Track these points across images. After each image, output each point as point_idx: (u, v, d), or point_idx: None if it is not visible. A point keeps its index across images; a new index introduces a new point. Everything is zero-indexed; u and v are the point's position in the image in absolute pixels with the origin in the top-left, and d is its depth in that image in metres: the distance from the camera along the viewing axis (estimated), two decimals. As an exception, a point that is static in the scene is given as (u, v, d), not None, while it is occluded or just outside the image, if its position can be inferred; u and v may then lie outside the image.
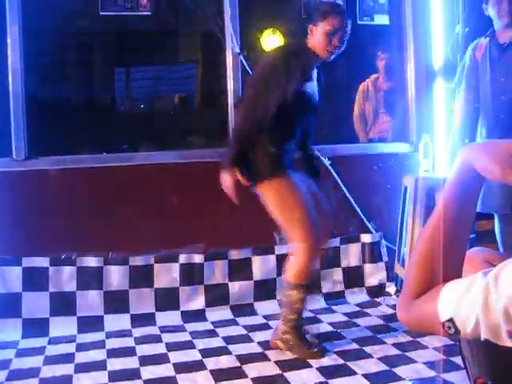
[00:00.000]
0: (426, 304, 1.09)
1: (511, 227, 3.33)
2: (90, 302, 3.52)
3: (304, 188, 2.95)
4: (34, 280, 3.47)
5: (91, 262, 3.55)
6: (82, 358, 3.04)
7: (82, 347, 3.19)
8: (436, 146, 4.04)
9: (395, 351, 2.97)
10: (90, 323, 3.44)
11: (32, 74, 3.65)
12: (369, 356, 2.92)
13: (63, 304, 3.49)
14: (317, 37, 2.88)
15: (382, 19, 4.28)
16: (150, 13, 3.81)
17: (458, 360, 2.61)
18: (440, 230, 1.13)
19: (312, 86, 2.97)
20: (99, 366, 2.92)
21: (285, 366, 2.84)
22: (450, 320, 1.04)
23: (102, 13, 3.75)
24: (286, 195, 2.89)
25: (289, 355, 2.95)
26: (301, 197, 2.90)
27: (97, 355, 3.07)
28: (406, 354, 2.92)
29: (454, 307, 1.04)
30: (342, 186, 3.92)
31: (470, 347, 1.26)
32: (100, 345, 3.22)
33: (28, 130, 3.60)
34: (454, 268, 1.13)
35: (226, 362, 2.91)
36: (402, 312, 1.17)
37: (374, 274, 3.97)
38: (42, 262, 3.49)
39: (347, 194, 3.94)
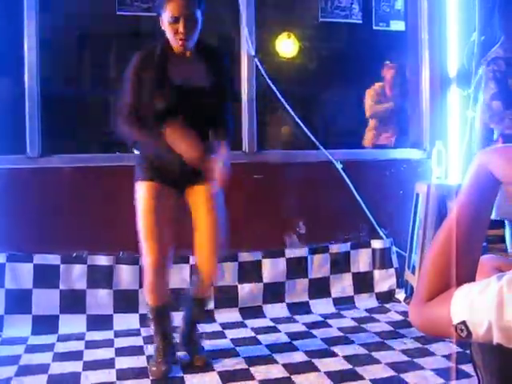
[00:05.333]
0: (439, 306, 1.09)
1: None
2: (100, 300, 3.53)
3: (163, 198, 2.74)
4: (45, 277, 3.49)
5: (102, 260, 3.56)
6: (90, 355, 3.05)
7: (90, 345, 3.20)
8: (449, 153, 4.03)
9: (403, 357, 2.96)
10: (99, 321, 3.45)
11: (47, 73, 3.67)
12: (377, 362, 2.91)
13: (73, 301, 3.50)
14: (165, 28, 2.63)
15: (397, 25, 4.28)
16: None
17: (467, 368, 2.60)
18: (454, 233, 1.13)
19: (185, 78, 2.68)
20: (107, 364, 2.93)
21: (292, 369, 2.83)
22: (463, 323, 1.04)
23: (118, 12, 3.77)
24: (139, 201, 2.76)
25: (296, 358, 2.95)
26: (149, 207, 2.72)
27: (105, 353, 3.08)
28: (415, 360, 2.91)
29: (467, 310, 1.04)
30: (354, 190, 3.92)
31: (481, 355, 1.25)
32: (109, 343, 3.23)
33: (42, 127, 3.62)
34: (467, 272, 1.13)
35: (233, 363, 2.91)
36: (414, 314, 1.17)
37: (384, 280, 3.96)
38: (53, 259, 3.51)
39: (358, 199, 3.93)
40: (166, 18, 2.59)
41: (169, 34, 2.62)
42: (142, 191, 2.74)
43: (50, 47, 3.70)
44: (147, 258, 2.71)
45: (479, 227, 1.15)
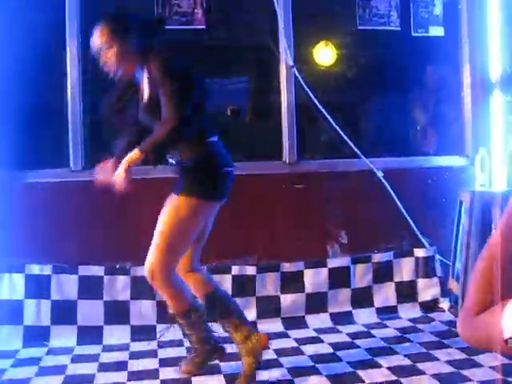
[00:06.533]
0: (490, 320, 1.07)
1: None
2: (143, 311, 3.57)
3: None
4: (90, 288, 3.54)
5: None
6: (134, 366, 3.09)
7: (134, 355, 3.23)
8: (493, 159, 3.96)
9: (449, 368, 2.91)
10: (143, 332, 3.48)
11: (89, 88, 3.74)
12: (422, 373, 2.87)
13: (117, 312, 3.55)
14: None
15: (436, 31, 4.23)
16: (204, 27, 3.87)
17: (515, 380, 2.55)
18: (499, 247, 1.11)
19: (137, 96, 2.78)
20: (152, 374, 2.96)
21: (336, 380, 2.82)
22: None
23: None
24: (189, 218, 2.67)
25: (340, 369, 2.93)
26: (198, 227, 2.71)
27: (149, 364, 3.10)
28: (461, 371, 2.86)
29: None
30: (396, 199, 3.88)
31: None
32: (152, 354, 3.25)
33: (85, 141, 3.69)
34: None
35: (277, 374, 2.91)
36: (462, 327, 1.15)
37: (428, 289, 3.91)
38: (97, 270, 3.56)
39: (401, 207, 3.89)
40: None
41: None
42: (201, 210, 2.67)
43: (92, 62, 3.76)
44: (169, 267, 2.70)
45: None
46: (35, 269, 3.53)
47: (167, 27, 3.78)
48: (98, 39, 2.62)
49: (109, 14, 2.72)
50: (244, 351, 2.74)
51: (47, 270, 3.53)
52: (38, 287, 3.52)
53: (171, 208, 2.68)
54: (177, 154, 2.68)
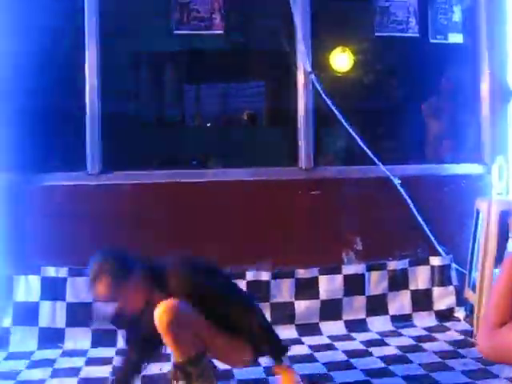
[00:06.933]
0: (510, 334, 1.06)
1: None
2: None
3: None
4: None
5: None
6: (148, 370, 3.08)
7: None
8: (510, 167, 3.93)
9: (464, 379, 2.88)
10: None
11: (107, 92, 3.76)
12: (436, 382, 2.84)
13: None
14: None
15: (455, 38, 4.21)
16: (222, 32, 3.88)
17: (532, 391, 2.52)
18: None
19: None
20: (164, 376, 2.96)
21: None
22: None
23: (176, 32, 3.83)
24: None
25: (354, 377, 2.92)
26: None
27: (163, 368, 3.10)
28: (476, 382, 2.83)
29: None
30: (412, 206, 3.86)
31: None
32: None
33: (103, 145, 3.71)
34: None
35: (290, 381, 2.89)
36: (482, 341, 1.14)
37: (443, 298, 3.88)
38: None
39: (417, 214, 3.87)
40: None
41: None
42: None
43: (110, 66, 3.80)
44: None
45: None
46: (51, 271, 3.55)
47: (185, 32, 3.84)
48: (100, 295, 2.53)
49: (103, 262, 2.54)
50: None
51: (63, 272, 3.55)
52: (53, 289, 3.54)
53: None
54: None
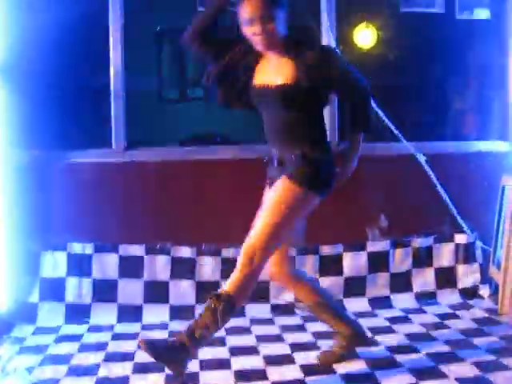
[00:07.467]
0: None
1: None
2: (183, 291, 3.61)
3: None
4: (130, 267, 3.60)
5: (185, 252, 3.64)
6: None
7: (172, 335, 3.27)
8: (537, 144, 3.89)
9: (489, 357, 2.87)
10: (182, 311, 3.52)
11: (131, 70, 3.76)
12: (461, 360, 2.84)
13: (156, 292, 3.60)
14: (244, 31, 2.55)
15: (482, 14, 4.15)
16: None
17: (558, 369, 2.52)
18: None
19: (263, 77, 2.62)
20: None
21: (374, 363, 2.81)
22: None
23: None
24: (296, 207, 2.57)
25: (378, 354, 2.93)
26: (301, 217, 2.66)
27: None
28: (501, 360, 2.82)
29: None
30: (438, 183, 3.83)
31: None
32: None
33: (127, 122, 3.72)
34: None
35: (312, 357, 2.91)
36: None
37: (468, 276, 3.87)
38: (137, 250, 3.61)
39: (442, 192, 3.84)
40: (240, 15, 2.53)
41: (248, 35, 2.55)
42: (309, 202, 2.59)
43: (134, 44, 3.79)
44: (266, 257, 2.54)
45: None
46: (77, 247, 3.59)
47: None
48: (258, 8, 2.47)
49: None
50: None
51: (89, 248, 3.59)
52: (79, 265, 3.59)
53: (277, 191, 2.56)
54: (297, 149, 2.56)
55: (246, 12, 2.49)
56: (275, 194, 2.55)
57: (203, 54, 2.69)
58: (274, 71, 2.59)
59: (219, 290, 2.53)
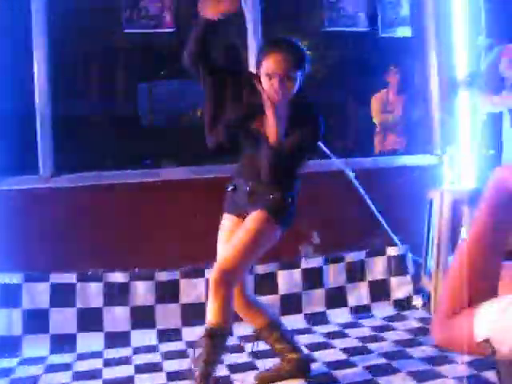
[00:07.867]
0: (462, 323, 1.08)
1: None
2: (117, 317, 3.53)
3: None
4: (62, 296, 3.50)
5: (118, 277, 3.57)
6: (109, 373, 3.05)
7: (109, 363, 3.20)
8: (461, 157, 4.01)
9: (424, 366, 2.93)
10: (117, 339, 3.45)
11: (57, 92, 3.69)
12: (397, 371, 2.89)
13: (90, 320, 3.51)
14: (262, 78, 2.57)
15: (404, 31, 4.27)
16: (173, 29, 3.85)
17: (489, 375, 2.59)
18: (474, 248, 1.12)
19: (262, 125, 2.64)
20: (127, 381, 2.94)
21: (312, 380, 2.82)
22: (487, 340, 1.03)
23: (126, 30, 3.79)
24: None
25: (316, 370, 2.94)
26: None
27: (124, 371, 3.07)
28: (436, 368, 2.88)
29: (490, 327, 1.03)
30: (367, 198, 3.91)
31: (506, 367, 1.24)
32: (127, 360, 3.22)
33: (54, 147, 3.64)
34: (488, 286, 1.12)
35: (252, 377, 2.89)
36: (436, 331, 1.16)
37: (401, 287, 3.95)
38: (69, 277, 3.52)
39: (372, 206, 3.92)
40: (263, 68, 2.54)
41: (264, 84, 2.55)
42: (275, 236, 2.75)
43: (60, 65, 3.72)
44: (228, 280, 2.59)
45: (498, 246, 1.14)
46: (5, 277, 3.47)
47: (135, 31, 3.80)
48: (284, 68, 2.51)
49: (297, 43, 2.62)
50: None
51: (18, 278, 3.47)
52: (7, 296, 3.46)
53: (255, 221, 2.65)
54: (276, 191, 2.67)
55: (270, 66, 2.51)
56: (253, 224, 2.64)
57: (202, 81, 2.67)
58: (274, 124, 2.57)
59: (205, 326, 2.59)
